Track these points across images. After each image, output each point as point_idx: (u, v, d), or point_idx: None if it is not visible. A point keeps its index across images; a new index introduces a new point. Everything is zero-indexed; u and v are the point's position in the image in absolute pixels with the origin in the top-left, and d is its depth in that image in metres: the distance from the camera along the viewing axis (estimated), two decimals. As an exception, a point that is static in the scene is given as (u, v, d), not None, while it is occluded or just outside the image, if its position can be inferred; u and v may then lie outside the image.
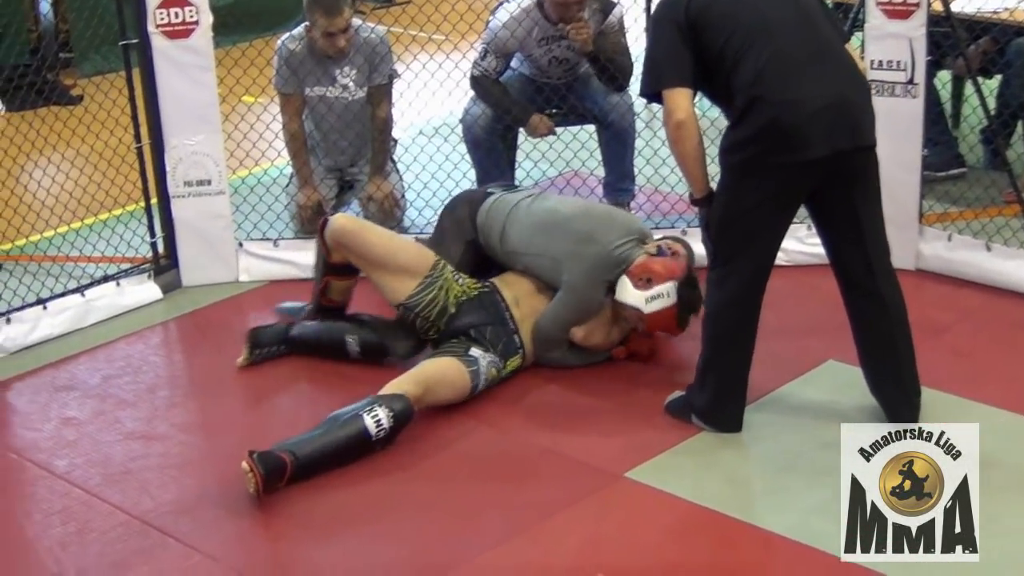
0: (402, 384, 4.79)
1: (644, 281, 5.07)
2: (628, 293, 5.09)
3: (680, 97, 4.47)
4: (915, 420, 4.66)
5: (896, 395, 4.71)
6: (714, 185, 4.65)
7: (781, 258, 6.01)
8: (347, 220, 5.32)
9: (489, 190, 5.64)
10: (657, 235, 5.56)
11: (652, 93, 4.59)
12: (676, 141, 4.53)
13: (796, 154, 4.38)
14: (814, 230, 5.93)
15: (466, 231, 5.49)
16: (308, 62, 6.36)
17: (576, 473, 4.59)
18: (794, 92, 4.37)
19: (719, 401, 4.74)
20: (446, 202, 5.76)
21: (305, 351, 5.43)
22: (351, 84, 6.41)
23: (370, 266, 5.22)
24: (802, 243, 6.07)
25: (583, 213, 5.37)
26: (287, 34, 6.48)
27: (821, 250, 5.98)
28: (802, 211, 6.23)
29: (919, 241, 5.94)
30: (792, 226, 6.05)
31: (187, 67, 5.92)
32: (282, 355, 5.42)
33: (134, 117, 6.06)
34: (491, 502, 4.46)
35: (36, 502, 4.62)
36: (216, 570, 4.20)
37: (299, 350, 5.44)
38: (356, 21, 6.39)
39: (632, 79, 6.37)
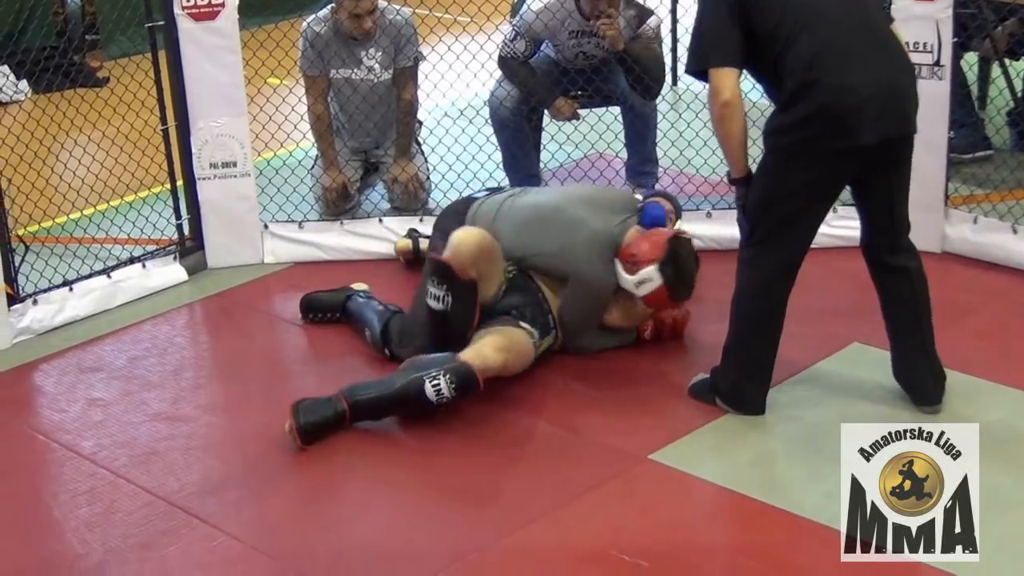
0: (484, 352, 4.77)
1: (631, 265, 5.08)
2: (621, 278, 5.11)
3: (727, 77, 4.44)
4: (939, 401, 4.65)
5: (923, 375, 4.71)
6: (753, 166, 4.62)
7: (820, 242, 6.02)
8: (474, 231, 5.02)
9: (473, 196, 5.59)
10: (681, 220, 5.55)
11: (698, 71, 4.55)
12: (721, 121, 4.50)
13: (846, 140, 4.36)
14: (840, 213, 5.98)
15: None
16: (334, 44, 6.36)
17: (600, 456, 4.59)
18: (847, 77, 4.33)
19: (743, 383, 4.73)
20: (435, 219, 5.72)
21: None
22: (377, 66, 6.41)
23: (496, 265, 5.06)
24: (828, 225, 6.02)
25: (565, 201, 5.30)
26: (313, 16, 6.48)
27: (847, 232, 6.01)
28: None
29: (945, 224, 5.92)
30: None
31: (213, 49, 5.93)
32: (335, 322, 5.52)
33: (160, 99, 6.07)
34: (515, 485, 4.46)
35: (62, 483, 4.64)
36: (241, 550, 4.22)
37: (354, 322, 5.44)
38: (382, 3, 6.38)
39: (665, 88, 6.38)
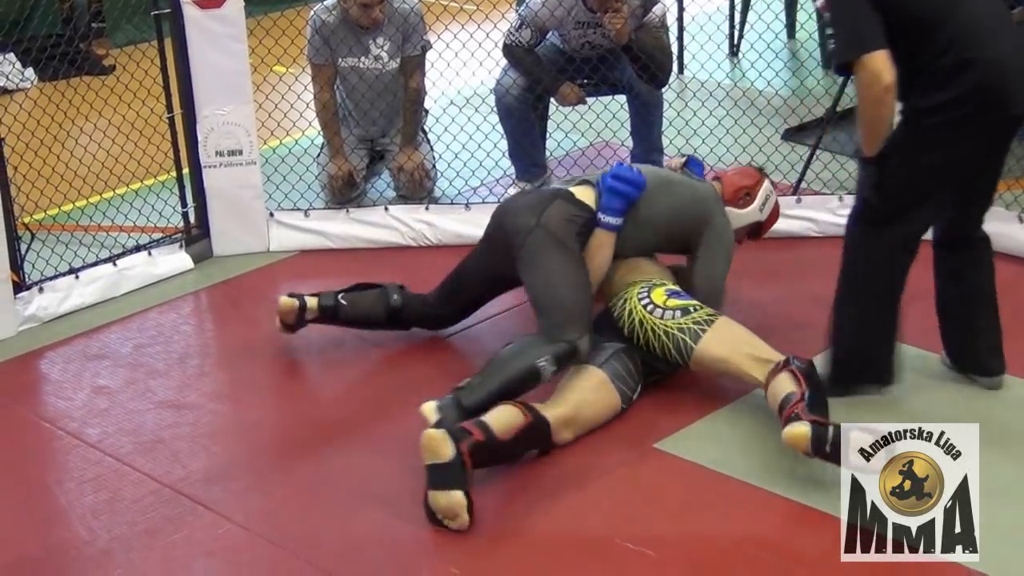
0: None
1: (747, 198, 5.21)
2: (744, 216, 5.21)
3: (885, 59, 4.35)
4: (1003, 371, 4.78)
5: (993, 348, 4.80)
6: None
7: (812, 229, 6.03)
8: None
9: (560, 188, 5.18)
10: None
11: (848, 62, 4.44)
12: (880, 103, 4.40)
13: (999, 112, 4.39)
14: (846, 201, 5.98)
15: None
16: (341, 32, 6.36)
17: (605, 443, 4.59)
18: (997, 52, 4.36)
19: (875, 361, 4.72)
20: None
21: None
22: (384, 55, 6.41)
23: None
24: (834, 214, 6.04)
25: (657, 171, 5.28)
26: (320, 4, 6.47)
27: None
28: (835, 182, 6.24)
29: (952, 213, 5.90)
30: (824, 197, 6.09)
31: (219, 37, 5.92)
32: None
33: (166, 87, 6.07)
34: (520, 473, 4.45)
35: (68, 470, 4.65)
36: (247, 538, 4.22)
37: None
38: (389, -9, 6.38)
39: (671, 77, 6.37)
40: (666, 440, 4.60)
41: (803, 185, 6.22)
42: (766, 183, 5.29)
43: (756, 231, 5.34)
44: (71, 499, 4.46)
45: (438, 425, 4.32)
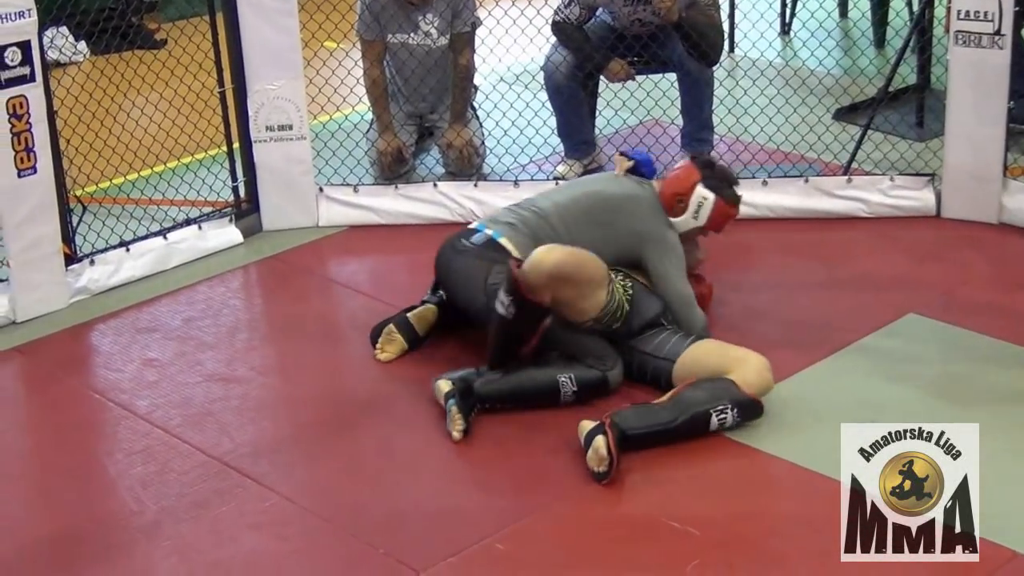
0: (748, 380, 4.56)
1: (680, 204, 5.05)
2: (680, 224, 5.06)
3: None
4: None
5: None
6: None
7: (863, 209, 6.01)
8: (559, 254, 4.62)
9: (476, 229, 5.08)
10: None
11: None
12: None
13: None
14: (896, 182, 5.95)
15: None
16: (390, 8, 6.35)
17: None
18: None
19: None
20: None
21: (511, 406, 4.70)
22: (433, 31, 6.40)
23: (584, 291, 4.66)
24: (885, 195, 6.01)
25: (586, 188, 5.20)
26: (370, -20, 6.47)
27: (903, 202, 5.98)
28: (885, 163, 6.21)
29: (1003, 194, 5.87)
30: (875, 178, 6.06)
31: (270, 12, 5.93)
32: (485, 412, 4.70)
33: (217, 62, 6.09)
34: (567, 451, 4.45)
35: (118, 442, 4.69)
36: (293, 511, 4.24)
37: (503, 407, 4.70)
38: (440, -32, 6.37)
39: (722, 55, 6.33)
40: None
41: (854, 165, 6.19)
42: (699, 188, 5.03)
43: (705, 230, 5.16)
44: (120, 470, 4.50)
45: (450, 396, 4.56)
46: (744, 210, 5.64)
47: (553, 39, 6.44)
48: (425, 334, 5.10)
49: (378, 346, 5.07)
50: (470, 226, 5.13)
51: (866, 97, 6.67)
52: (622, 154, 5.28)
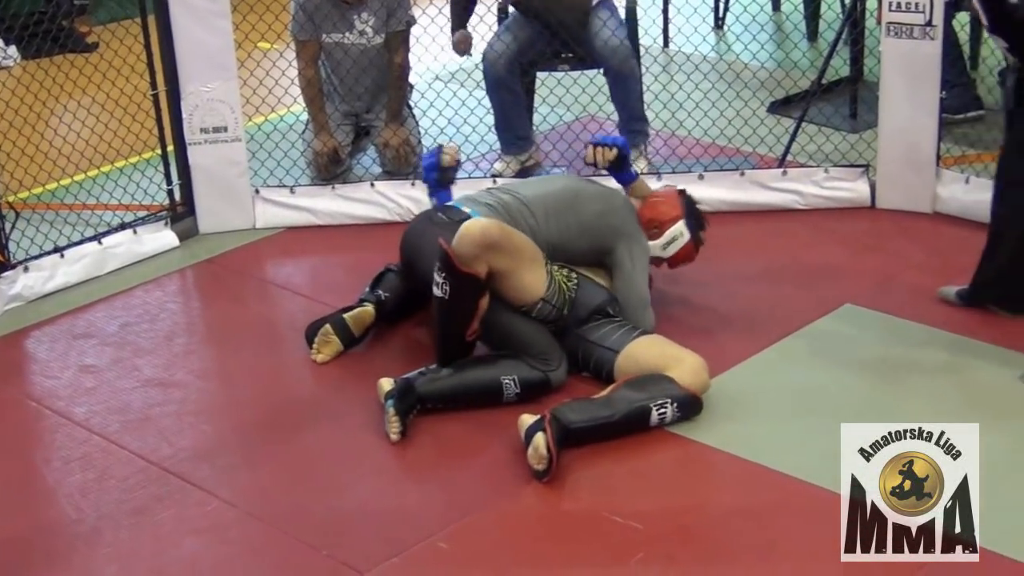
0: (684, 379, 4.56)
1: (654, 231, 5.09)
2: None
3: None
4: None
5: None
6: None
7: (798, 201, 6.05)
8: (484, 221, 4.63)
9: (448, 206, 5.07)
10: (672, 182, 5.55)
11: None
12: None
13: None
14: (831, 174, 6.00)
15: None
16: (325, 7, 6.33)
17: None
18: None
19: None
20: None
21: (452, 406, 4.68)
22: (369, 30, 6.39)
23: (519, 263, 4.67)
24: (820, 187, 6.05)
25: (567, 183, 5.18)
26: (303, -21, 6.45)
27: (838, 194, 6.02)
28: (820, 155, 6.25)
29: (936, 184, 5.91)
30: (810, 170, 6.11)
31: (202, 13, 5.90)
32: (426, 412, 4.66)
33: (150, 64, 6.04)
34: (508, 448, 4.45)
35: (55, 449, 4.64)
36: (235, 515, 4.22)
37: (444, 407, 4.68)
38: (373, -34, 6.36)
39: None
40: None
41: (788, 158, 6.22)
42: (679, 224, 5.10)
43: (658, 262, 5.19)
44: (58, 478, 4.46)
45: (389, 395, 4.53)
46: (681, 204, 5.68)
47: (489, 35, 6.44)
48: (361, 335, 5.08)
49: (314, 347, 5.05)
50: (447, 204, 5.12)
51: (800, 90, 6.71)
52: (595, 144, 5.18)
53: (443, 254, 4.59)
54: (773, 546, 3.96)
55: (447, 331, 4.73)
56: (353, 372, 4.97)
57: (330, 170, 6.45)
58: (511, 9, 6.47)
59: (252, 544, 4.11)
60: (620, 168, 5.16)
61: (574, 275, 4.86)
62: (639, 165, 6.10)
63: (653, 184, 5.52)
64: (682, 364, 4.60)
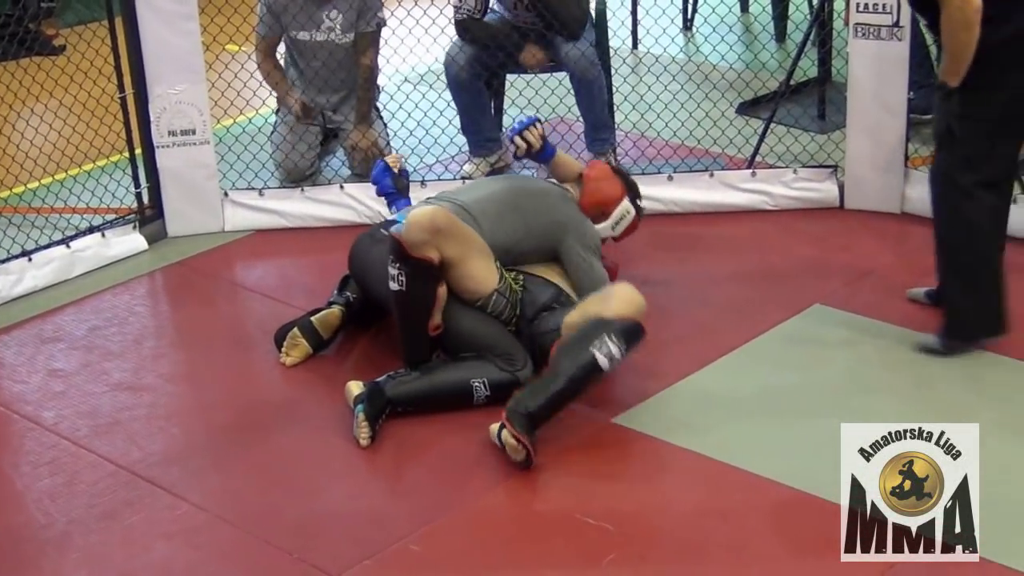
0: (617, 310, 4.58)
1: (600, 214, 5.16)
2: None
3: None
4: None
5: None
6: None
7: (767, 202, 6.06)
8: (430, 208, 4.67)
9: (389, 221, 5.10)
10: (642, 183, 5.55)
11: None
12: (970, 26, 4.50)
13: None
14: (800, 174, 6.01)
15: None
16: (293, 7, 6.32)
17: (565, 420, 4.57)
18: None
19: (994, 306, 4.82)
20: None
21: (423, 409, 4.65)
22: (338, 28, 6.37)
23: (469, 251, 4.70)
24: (789, 187, 6.06)
25: (509, 183, 5.24)
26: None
27: (806, 194, 6.04)
28: (789, 155, 6.26)
29: (905, 184, 5.93)
30: (778, 170, 6.12)
31: (170, 15, 5.87)
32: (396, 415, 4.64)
33: (117, 67, 6.02)
34: (480, 450, 4.45)
35: (24, 454, 4.62)
36: (205, 519, 4.21)
37: (415, 410, 4.65)
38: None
39: (586, 27, 6.33)
40: (624, 415, 4.61)
41: (757, 159, 6.24)
42: (624, 202, 5.19)
43: (615, 240, 5.27)
44: (27, 483, 4.44)
45: (358, 400, 4.51)
46: (650, 205, 5.71)
47: (454, 36, 6.44)
48: (330, 337, 5.07)
49: (283, 350, 5.04)
50: (389, 217, 5.11)
51: (768, 91, 6.72)
52: (517, 134, 5.28)
53: (394, 243, 4.61)
54: (744, 546, 3.97)
55: (410, 326, 4.72)
56: (322, 375, 4.96)
57: (309, 115, 6.41)
58: None
59: (222, 548, 4.09)
60: (541, 148, 5.26)
61: (520, 276, 4.89)
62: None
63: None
64: (610, 300, 4.62)
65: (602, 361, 4.42)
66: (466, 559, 4.01)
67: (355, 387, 4.63)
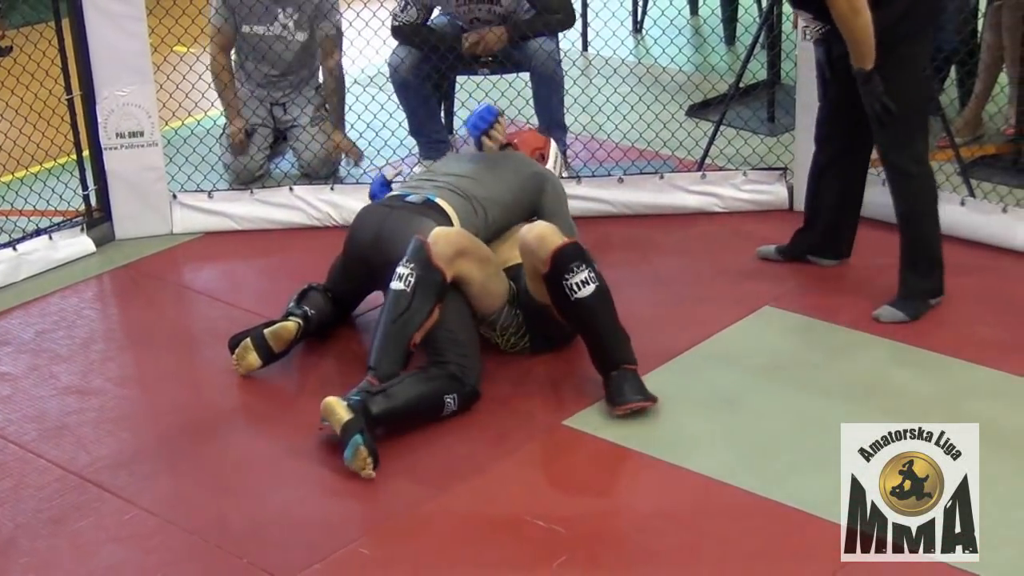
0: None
1: (541, 159, 5.41)
2: None
3: None
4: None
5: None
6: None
7: (717, 204, 6.08)
8: (455, 229, 4.78)
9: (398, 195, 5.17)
10: (592, 185, 5.58)
11: None
12: (858, 12, 4.74)
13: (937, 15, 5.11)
14: (749, 177, 6.04)
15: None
16: (249, 0, 6.30)
17: (514, 422, 4.60)
18: None
19: (939, 275, 5.18)
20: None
21: (397, 424, 4.56)
22: (292, 24, 6.37)
23: (487, 266, 4.78)
24: (739, 189, 6.09)
25: (466, 158, 5.42)
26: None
27: (757, 196, 6.07)
28: (738, 158, 6.29)
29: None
30: (728, 173, 6.15)
31: (117, 16, 5.84)
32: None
33: (64, 68, 5.98)
34: (429, 453, 4.45)
35: (-30, 459, 4.59)
36: (155, 524, 4.18)
37: (393, 424, 4.55)
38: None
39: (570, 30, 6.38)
40: (574, 417, 4.61)
41: (707, 161, 6.26)
42: (552, 144, 5.52)
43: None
44: (-26, 488, 4.40)
45: (356, 430, 4.33)
46: (601, 207, 5.75)
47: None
48: (282, 351, 4.97)
49: (234, 358, 4.99)
50: (393, 194, 5.18)
51: (718, 93, 6.74)
52: (484, 133, 5.39)
53: (420, 244, 4.60)
54: (694, 548, 3.98)
55: (393, 331, 4.60)
56: (274, 380, 4.94)
57: (244, 148, 6.41)
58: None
59: (173, 552, 4.07)
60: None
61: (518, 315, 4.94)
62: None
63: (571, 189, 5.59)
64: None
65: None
66: (416, 561, 4.00)
67: (340, 408, 4.39)
